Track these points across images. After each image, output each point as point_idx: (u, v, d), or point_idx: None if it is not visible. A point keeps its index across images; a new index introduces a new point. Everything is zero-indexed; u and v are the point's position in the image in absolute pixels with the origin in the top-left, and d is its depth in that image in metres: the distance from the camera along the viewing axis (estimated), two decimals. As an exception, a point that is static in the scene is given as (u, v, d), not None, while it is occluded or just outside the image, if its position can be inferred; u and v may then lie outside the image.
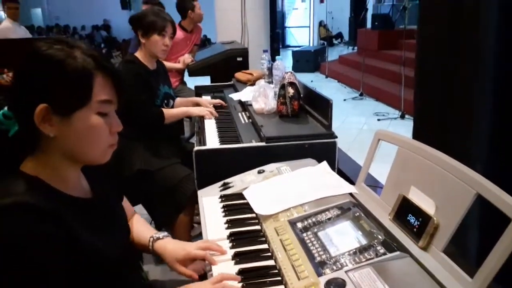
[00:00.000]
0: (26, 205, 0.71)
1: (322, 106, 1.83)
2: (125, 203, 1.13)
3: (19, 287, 0.69)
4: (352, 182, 1.28)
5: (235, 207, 1.28)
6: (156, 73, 2.11)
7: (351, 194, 1.20)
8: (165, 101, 2.14)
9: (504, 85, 1.42)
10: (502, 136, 1.44)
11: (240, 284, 0.91)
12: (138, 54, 2.05)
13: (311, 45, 14.80)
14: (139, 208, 2.23)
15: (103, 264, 0.83)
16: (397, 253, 0.89)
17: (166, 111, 2.04)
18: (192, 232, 2.16)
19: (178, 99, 2.35)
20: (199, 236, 1.16)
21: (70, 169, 0.85)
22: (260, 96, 2.06)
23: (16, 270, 0.69)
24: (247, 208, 1.24)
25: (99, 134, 0.82)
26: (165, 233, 1.11)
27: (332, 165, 1.54)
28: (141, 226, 1.14)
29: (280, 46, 13.05)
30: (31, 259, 0.69)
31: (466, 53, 1.47)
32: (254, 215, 1.21)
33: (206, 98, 2.71)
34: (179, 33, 3.60)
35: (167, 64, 3.57)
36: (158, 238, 1.08)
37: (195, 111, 2.19)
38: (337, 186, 1.24)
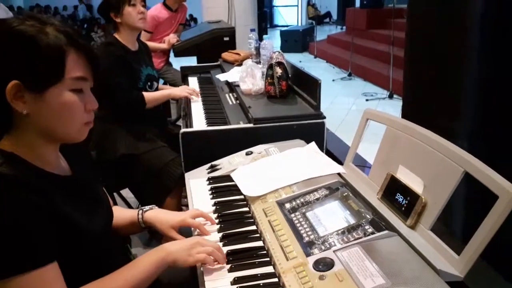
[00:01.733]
0: (3, 176, 0.71)
1: (311, 86, 1.81)
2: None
3: (1, 254, 0.69)
4: (340, 162, 1.28)
5: (223, 189, 1.26)
6: (137, 54, 2.05)
7: (339, 174, 1.19)
8: (148, 83, 2.09)
9: (490, 66, 1.42)
10: (487, 115, 1.45)
11: (229, 265, 0.91)
12: (118, 36, 1.99)
13: (299, 24, 14.65)
14: (126, 191, 2.21)
15: (87, 241, 0.82)
16: (385, 232, 0.89)
17: (147, 95, 1.99)
18: (180, 214, 2.15)
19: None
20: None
21: (47, 148, 0.83)
22: (247, 76, 2.03)
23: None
24: (235, 190, 1.23)
25: (73, 111, 0.81)
26: (154, 206, 1.12)
27: (321, 146, 1.53)
28: (123, 210, 1.14)
29: (268, 26, 12.90)
30: (12, 226, 0.69)
31: (454, 33, 1.46)
32: (242, 196, 1.20)
33: (192, 80, 2.67)
34: (164, 12, 3.51)
35: (152, 44, 3.50)
36: (148, 209, 1.10)
37: (177, 92, 2.15)
38: (325, 166, 1.23)
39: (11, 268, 0.69)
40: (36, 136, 0.80)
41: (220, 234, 1.04)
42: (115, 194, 2.21)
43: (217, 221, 1.10)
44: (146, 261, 0.87)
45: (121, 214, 1.10)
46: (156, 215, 1.09)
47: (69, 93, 0.79)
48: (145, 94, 1.98)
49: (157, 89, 2.18)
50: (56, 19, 0.82)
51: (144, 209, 1.10)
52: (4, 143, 0.79)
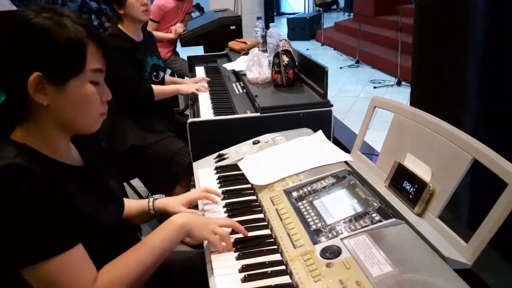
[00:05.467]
0: (16, 167, 0.72)
1: (318, 74, 1.79)
2: None
3: (19, 244, 0.71)
4: (348, 151, 1.27)
5: (231, 178, 1.27)
6: (142, 44, 2.04)
7: (346, 162, 1.19)
8: (154, 73, 2.08)
9: (497, 52, 1.40)
10: (494, 103, 1.43)
11: (237, 253, 0.92)
12: (122, 27, 1.98)
13: (306, 12, 14.46)
14: (136, 181, 2.24)
15: (98, 231, 0.84)
16: (393, 220, 0.89)
17: (156, 88, 1.99)
18: (189, 203, 2.18)
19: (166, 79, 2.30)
20: (196, 207, 1.16)
21: (61, 138, 0.85)
22: (254, 65, 2.02)
23: (12, 228, 0.70)
24: (242, 178, 1.24)
25: (92, 102, 0.83)
26: (162, 195, 1.17)
27: (328, 134, 1.53)
28: (131, 201, 1.16)
29: (275, 14, 12.75)
30: (26, 216, 0.71)
31: (462, 19, 1.44)
32: (249, 185, 1.21)
33: (199, 69, 2.67)
34: (170, 2, 3.50)
35: (159, 34, 3.49)
36: (158, 198, 1.14)
37: (184, 88, 2.14)
38: (333, 155, 1.23)
39: (38, 254, 0.72)
40: (51, 127, 0.81)
41: (228, 223, 1.05)
42: (125, 184, 2.24)
43: (225, 209, 1.11)
44: (164, 230, 0.90)
45: (131, 205, 1.13)
46: (166, 201, 1.13)
47: (89, 84, 0.80)
48: (154, 87, 1.98)
49: (163, 78, 2.18)
50: (70, 10, 0.84)
51: (155, 197, 1.14)
52: (17, 134, 0.80)
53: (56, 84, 0.77)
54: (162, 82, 2.16)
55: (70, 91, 0.78)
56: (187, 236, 0.92)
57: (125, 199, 1.13)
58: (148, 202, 1.13)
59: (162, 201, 1.13)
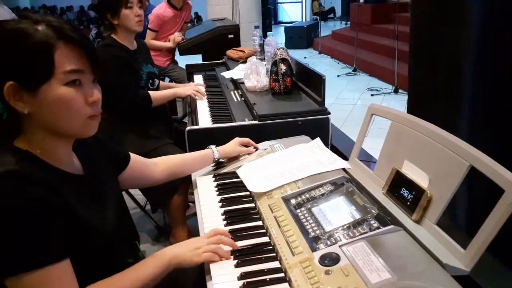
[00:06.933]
0: (17, 174, 0.72)
1: (315, 82, 1.81)
2: (137, 162, 1.19)
3: (7, 252, 0.70)
4: (345, 158, 1.28)
5: (229, 185, 1.27)
6: (137, 53, 2.05)
7: (344, 169, 1.19)
8: (150, 81, 2.09)
9: (487, 60, 1.42)
10: (491, 109, 1.44)
11: (236, 261, 0.92)
12: (115, 36, 1.97)
13: (303, 20, 14.59)
14: (134, 190, 2.24)
15: (95, 239, 0.84)
16: (391, 226, 0.89)
17: (153, 94, 2.00)
18: (187, 211, 2.17)
19: (162, 84, 2.31)
20: (195, 215, 1.16)
21: (59, 145, 0.84)
22: (252, 73, 2.03)
23: (10, 234, 0.70)
24: (241, 186, 1.24)
25: (71, 105, 0.79)
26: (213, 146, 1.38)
27: (326, 142, 1.54)
28: (191, 154, 1.36)
29: (272, 22, 12.87)
30: (25, 223, 0.70)
31: (457, 27, 1.46)
32: (248, 193, 1.21)
33: (197, 77, 2.68)
34: (168, 11, 3.52)
35: (157, 43, 3.51)
36: (215, 148, 1.36)
37: (181, 91, 2.15)
38: (331, 162, 1.24)
39: (24, 265, 0.71)
40: (45, 134, 0.81)
41: (227, 230, 1.04)
42: (123, 192, 2.24)
43: (223, 217, 1.11)
44: (152, 264, 0.88)
45: (193, 157, 1.34)
46: (223, 148, 1.38)
47: (63, 87, 0.78)
48: (151, 93, 1.99)
49: (158, 85, 2.18)
50: (54, 16, 0.82)
51: (214, 148, 1.35)
52: (19, 143, 0.81)
53: (29, 91, 0.76)
54: (157, 89, 2.17)
55: (45, 96, 0.77)
56: (178, 268, 0.90)
57: (184, 154, 1.39)
58: (213, 151, 1.34)
59: (222, 150, 1.35)
